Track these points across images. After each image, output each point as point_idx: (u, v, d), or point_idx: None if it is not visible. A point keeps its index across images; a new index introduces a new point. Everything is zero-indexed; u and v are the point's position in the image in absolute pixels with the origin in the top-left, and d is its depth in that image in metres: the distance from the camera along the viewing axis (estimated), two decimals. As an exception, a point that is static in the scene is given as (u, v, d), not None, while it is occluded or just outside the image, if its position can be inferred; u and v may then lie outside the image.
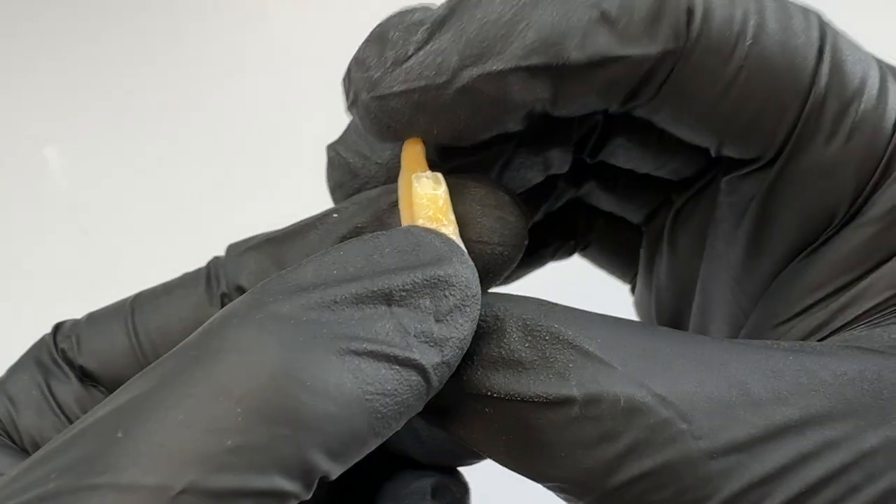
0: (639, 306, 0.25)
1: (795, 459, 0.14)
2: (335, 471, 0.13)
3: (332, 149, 0.21)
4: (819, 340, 0.17)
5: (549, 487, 0.15)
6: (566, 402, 0.14)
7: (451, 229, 0.16)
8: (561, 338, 0.15)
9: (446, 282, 0.14)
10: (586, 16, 0.15)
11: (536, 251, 0.24)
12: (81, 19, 0.58)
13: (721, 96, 0.16)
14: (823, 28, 0.16)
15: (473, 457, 0.20)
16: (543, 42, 0.15)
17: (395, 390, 0.13)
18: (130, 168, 0.53)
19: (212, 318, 0.14)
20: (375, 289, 0.14)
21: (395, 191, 0.18)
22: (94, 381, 0.18)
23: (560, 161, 0.20)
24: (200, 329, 0.14)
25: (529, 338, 0.15)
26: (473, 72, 0.16)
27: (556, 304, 0.16)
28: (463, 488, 0.20)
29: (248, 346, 0.13)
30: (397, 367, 0.14)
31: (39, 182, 0.53)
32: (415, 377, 0.14)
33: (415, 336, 0.14)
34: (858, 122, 0.16)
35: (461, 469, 0.21)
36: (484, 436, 0.15)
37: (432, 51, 0.16)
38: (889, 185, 0.16)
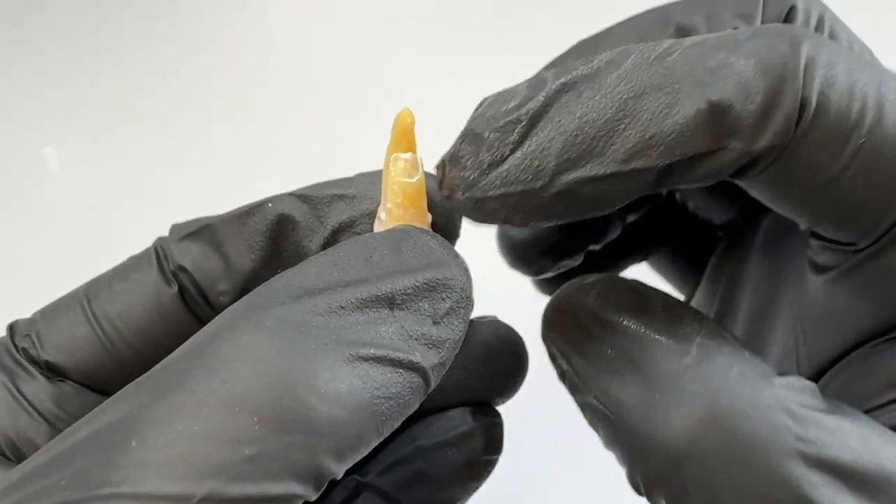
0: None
1: None
2: (342, 471, 0.13)
3: None
4: None
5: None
6: (685, 341, 0.15)
7: (420, 217, 0.17)
8: (695, 316, 0.16)
9: (444, 284, 0.15)
10: (694, 108, 0.14)
11: (616, 262, 0.24)
12: (81, 19, 0.58)
13: (823, 187, 0.15)
14: None
15: (499, 394, 0.20)
16: (646, 144, 0.14)
17: (399, 393, 0.14)
18: (130, 168, 0.53)
19: (216, 322, 0.14)
20: (379, 293, 0.14)
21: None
22: (61, 375, 0.18)
23: None
24: (206, 333, 0.14)
25: (673, 310, 0.16)
26: (571, 176, 0.15)
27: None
28: (497, 413, 0.21)
29: (261, 355, 0.13)
30: (401, 370, 0.14)
31: (39, 182, 0.53)
32: (416, 379, 0.14)
33: (415, 339, 0.14)
34: None
35: None
36: (596, 361, 0.16)
37: (529, 153, 0.15)
38: None
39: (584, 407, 0.17)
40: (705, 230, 0.23)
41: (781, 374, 0.15)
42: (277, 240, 0.18)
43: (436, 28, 0.56)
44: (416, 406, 0.15)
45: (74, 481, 0.12)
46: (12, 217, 0.52)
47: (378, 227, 0.17)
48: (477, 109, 0.16)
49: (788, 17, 0.18)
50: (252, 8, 0.58)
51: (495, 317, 0.21)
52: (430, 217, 0.17)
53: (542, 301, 0.18)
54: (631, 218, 0.23)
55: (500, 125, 0.15)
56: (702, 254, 0.23)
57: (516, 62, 0.57)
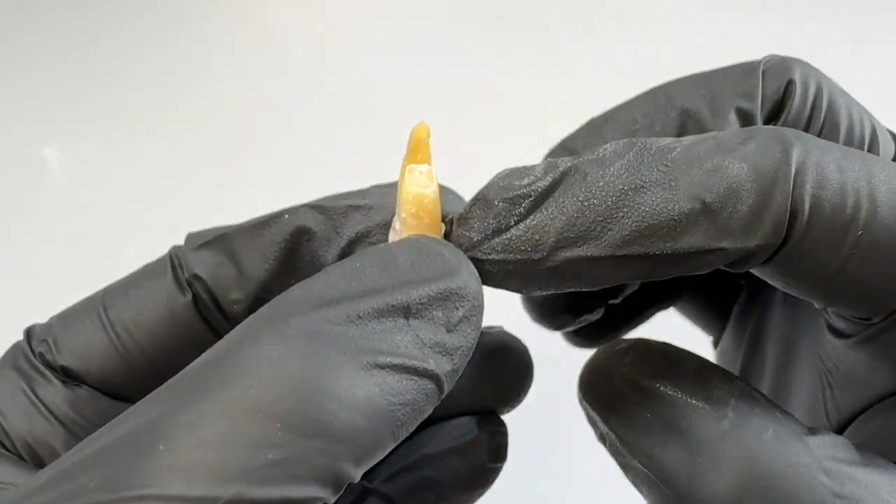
0: (722, 357, 0.25)
1: None
2: (359, 475, 0.14)
3: None
4: None
5: None
6: (720, 408, 0.16)
7: (434, 227, 0.17)
8: (728, 379, 0.17)
9: (457, 293, 0.15)
10: (688, 206, 0.15)
11: (641, 312, 0.25)
12: (81, 19, 0.58)
13: (828, 278, 0.16)
14: None
15: (504, 403, 0.21)
16: (641, 234, 0.15)
17: (414, 399, 0.14)
18: (130, 168, 0.53)
19: (238, 331, 0.15)
20: (395, 303, 0.15)
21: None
22: (77, 380, 0.18)
23: None
24: (229, 342, 0.14)
25: (705, 373, 0.17)
26: (568, 254, 0.16)
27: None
28: (502, 422, 0.21)
29: (282, 364, 0.13)
30: (416, 377, 0.14)
31: (39, 182, 0.53)
32: (430, 385, 0.15)
33: (430, 347, 0.15)
34: None
35: None
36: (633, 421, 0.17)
37: (531, 226, 0.16)
38: None
39: (627, 469, 0.18)
40: (727, 278, 0.24)
41: (812, 430, 0.16)
42: (293, 251, 0.19)
43: (436, 28, 0.56)
44: (430, 411, 0.15)
45: (104, 483, 0.12)
46: (12, 217, 0.52)
47: (392, 237, 0.18)
48: (493, 178, 0.17)
49: (787, 92, 0.18)
50: (252, 8, 0.58)
51: (501, 327, 0.21)
52: (443, 227, 0.18)
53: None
54: None
55: (510, 196, 0.16)
56: (726, 299, 0.24)
57: (519, 63, 0.58)
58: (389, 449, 0.14)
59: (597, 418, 0.18)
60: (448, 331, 0.15)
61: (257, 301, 0.19)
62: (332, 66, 0.55)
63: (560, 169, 0.16)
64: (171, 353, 0.19)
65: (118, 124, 0.54)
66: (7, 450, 0.18)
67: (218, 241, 0.19)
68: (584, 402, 0.18)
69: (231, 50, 0.57)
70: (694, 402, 0.16)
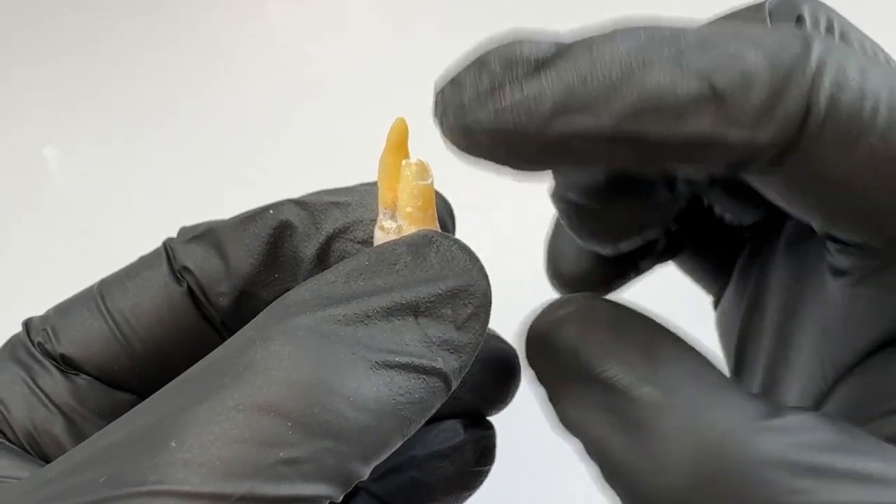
0: (722, 318, 0.24)
1: None
2: (368, 473, 0.14)
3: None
4: None
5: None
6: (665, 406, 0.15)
7: (435, 220, 0.17)
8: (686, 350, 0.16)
9: (466, 290, 0.15)
10: (696, 88, 0.14)
11: (636, 262, 0.23)
12: (82, 19, 0.58)
13: (836, 188, 0.15)
14: None
15: (492, 405, 0.21)
16: (643, 111, 0.14)
17: (423, 398, 0.15)
18: (130, 168, 0.53)
19: (248, 330, 0.15)
20: (404, 301, 0.15)
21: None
22: (75, 369, 0.19)
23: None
24: (240, 341, 0.15)
25: (655, 348, 0.16)
26: (563, 127, 0.15)
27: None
28: (490, 425, 0.21)
29: (293, 363, 0.14)
30: (424, 376, 0.15)
31: (39, 182, 0.53)
32: (438, 383, 0.15)
33: (438, 345, 0.15)
34: None
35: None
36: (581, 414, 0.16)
37: (527, 93, 0.15)
38: None
39: (571, 439, 0.17)
40: (731, 232, 0.23)
41: (780, 410, 0.15)
42: (276, 245, 0.19)
43: (437, 28, 0.56)
44: (437, 408, 0.15)
45: (114, 479, 0.12)
46: (12, 217, 0.52)
47: (380, 235, 0.17)
48: (493, 45, 0.16)
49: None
50: (252, 8, 0.58)
51: (491, 329, 0.21)
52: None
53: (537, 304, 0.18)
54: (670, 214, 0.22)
55: (508, 61, 0.15)
56: (729, 254, 0.23)
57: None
58: (396, 446, 0.15)
59: (542, 390, 0.17)
60: (457, 328, 0.15)
61: (243, 294, 0.19)
62: (332, 65, 0.55)
63: (567, 40, 0.15)
64: (168, 342, 0.19)
65: (118, 124, 0.54)
66: (9, 441, 0.18)
67: (206, 234, 0.19)
68: (528, 364, 0.18)
69: (231, 50, 0.57)
70: (642, 389, 0.15)
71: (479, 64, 0.15)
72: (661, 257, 0.24)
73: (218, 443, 0.13)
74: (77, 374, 0.18)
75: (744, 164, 0.15)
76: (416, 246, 0.15)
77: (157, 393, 0.14)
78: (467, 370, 0.16)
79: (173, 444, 0.13)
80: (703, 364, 0.16)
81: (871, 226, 0.15)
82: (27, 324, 0.19)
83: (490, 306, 0.16)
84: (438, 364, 0.15)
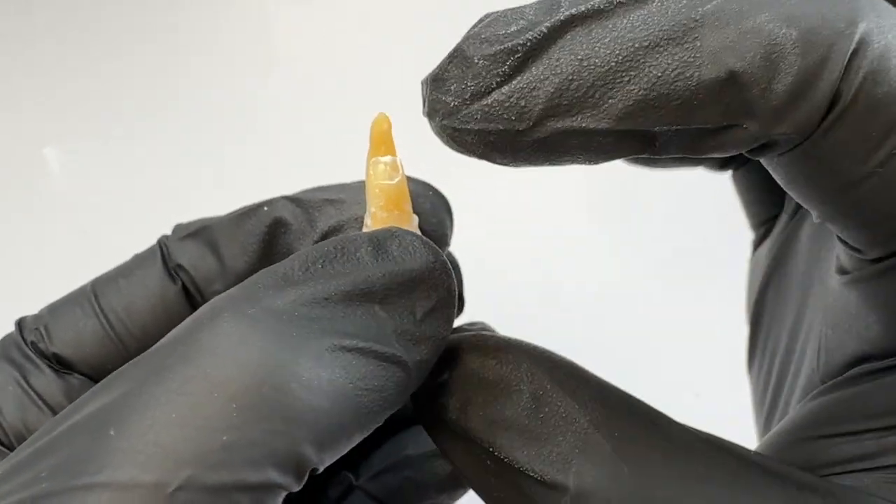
0: (753, 274, 0.22)
1: None
2: (324, 463, 0.13)
3: None
4: (861, 471, 0.15)
5: None
6: (559, 488, 0.14)
7: (404, 219, 0.17)
8: (572, 420, 0.14)
9: (426, 283, 0.15)
10: (710, 75, 0.12)
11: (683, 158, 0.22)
12: (81, 19, 0.58)
13: (845, 187, 0.13)
14: None
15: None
16: (647, 105, 0.12)
17: (382, 386, 0.14)
18: (130, 168, 0.53)
19: (199, 312, 0.14)
20: (364, 287, 0.14)
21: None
22: (69, 368, 0.18)
23: None
24: (188, 322, 0.14)
25: (543, 409, 0.14)
26: (558, 125, 0.13)
27: (580, 375, 0.15)
28: None
29: (241, 342, 0.13)
30: (383, 363, 0.14)
31: (39, 182, 0.53)
32: (399, 373, 0.14)
33: (399, 334, 0.14)
34: None
35: None
36: (476, 479, 0.15)
37: (516, 90, 0.13)
38: None
39: None
40: None
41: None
42: (271, 242, 0.19)
43: (437, 28, 0.56)
44: (401, 403, 0.15)
45: (55, 473, 0.12)
46: (12, 217, 0.52)
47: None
48: (475, 26, 0.14)
49: None
50: (252, 8, 0.58)
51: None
52: (416, 219, 0.17)
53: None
54: None
55: (492, 52, 0.13)
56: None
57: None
58: (357, 438, 0.14)
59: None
60: (418, 320, 0.14)
61: None
62: (332, 65, 0.55)
63: (558, 16, 0.13)
64: None
65: (118, 124, 0.54)
66: (1, 443, 0.18)
67: (201, 232, 0.19)
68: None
69: (231, 50, 0.57)
70: (527, 473, 0.14)
71: (462, 58, 0.14)
72: (726, 164, 0.22)
73: (156, 428, 0.12)
74: (70, 374, 0.18)
75: (754, 152, 0.14)
76: (379, 239, 0.15)
77: (103, 380, 0.14)
78: (431, 366, 0.15)
79: (112, 432, 0.12)
80: (600, 412, 0.15)
81: (871, 234, 0.14)
82: (20, 323, 0.19)
83: (454, 302, 0.15)
84: (398, 352, 0.14)
